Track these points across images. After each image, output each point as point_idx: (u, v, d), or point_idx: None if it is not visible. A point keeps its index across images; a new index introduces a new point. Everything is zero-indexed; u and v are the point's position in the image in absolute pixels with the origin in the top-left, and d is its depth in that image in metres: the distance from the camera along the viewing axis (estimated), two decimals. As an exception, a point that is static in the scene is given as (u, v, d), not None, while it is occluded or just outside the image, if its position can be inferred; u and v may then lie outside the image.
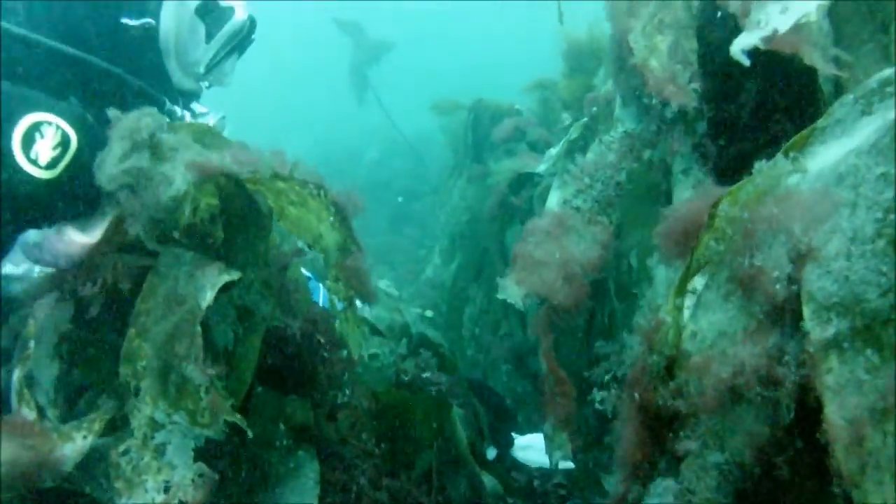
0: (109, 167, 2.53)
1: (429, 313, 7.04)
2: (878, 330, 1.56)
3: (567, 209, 3.54)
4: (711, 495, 1.83)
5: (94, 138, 2.68)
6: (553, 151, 5.47)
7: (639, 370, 2.07)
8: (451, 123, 7.58)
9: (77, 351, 2.81)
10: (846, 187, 1.73)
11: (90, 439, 2.54)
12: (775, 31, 2.36)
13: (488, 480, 3.84)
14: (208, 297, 2.39)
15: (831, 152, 1.87)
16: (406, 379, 3.98)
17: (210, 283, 2.43)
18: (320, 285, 3.85)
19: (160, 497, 2.32)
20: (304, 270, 3.43)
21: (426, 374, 3.99)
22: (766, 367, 1.72)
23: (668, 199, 4.14)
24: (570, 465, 4.25)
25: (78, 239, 2.73)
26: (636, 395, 2.05)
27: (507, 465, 4.40)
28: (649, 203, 4.43)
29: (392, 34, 14.12)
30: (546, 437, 3.47)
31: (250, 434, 2.51)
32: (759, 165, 2.00)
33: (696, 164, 3.05)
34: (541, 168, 5.48)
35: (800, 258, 1.73)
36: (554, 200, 3.66)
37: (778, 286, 1.76)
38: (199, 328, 2.35)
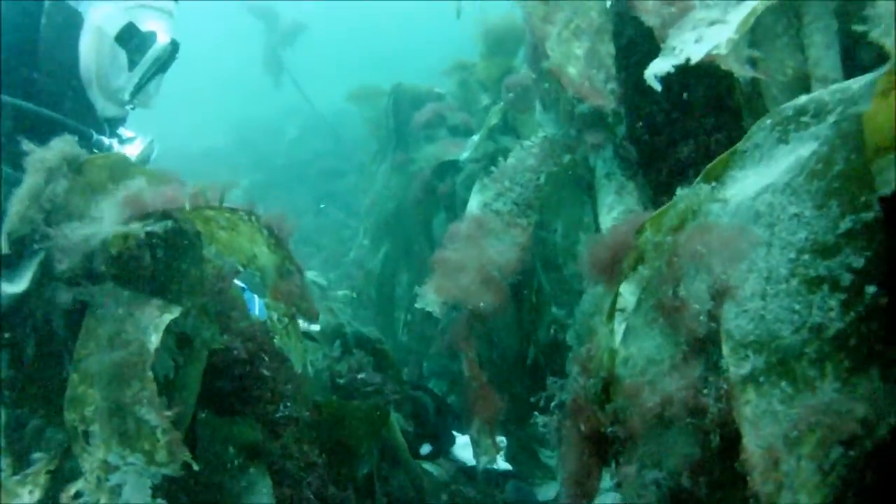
0: (21, 205, 2.48)
1: (352, 294, 7.11)
2: (792, 364, 1.70)
3: (487, 212, 3.62)
4: None
5: (10, 186, 2.55)
6: (475, 138, 5.55)
7: (579, 397, 2.18)
8: (370, 108, 7.56)
9: (18, 393, 2.78)
10: (762, 226, 1.84)
11: (37, 494, 2.54)
12: (688, 60, 2.45)
13: (433, 469, 3.95)
14: (154, 340, 2.39)
15: (749, 182, 1.96)
16: (341, 382, 4.04)
17: (153, 323, 2.43)
18: (255, 297, 3.85)
19: (122, 538, 2.34)
20: (237, 282, 3.43)
21: (361, 375, 4.05)
22: (692, 398, 1.84)
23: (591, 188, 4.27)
24: (506, 465, 4.40)
25: (5, 290, 2.65)
26: (579, 422, 2.16)
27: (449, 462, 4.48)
28: (572, 187, 4.57)
29: (306, 16, 13.94)
30: (473, 442, 3.57)
31: (196, 467, 2.52)
32: (681, 192, 2.09)
33: (619, 169, 3.14)
34: (463, 156, 5.56)
35: (719, 295, 1.85)
36: (474, 204, 3.74)
37: (699, 321, 1.87)
38: (150, 372, 2.35)
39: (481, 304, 3.17)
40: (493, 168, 3.71)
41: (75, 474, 2.61)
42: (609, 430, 2.06)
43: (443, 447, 4.50)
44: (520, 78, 5.27)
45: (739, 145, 2.06)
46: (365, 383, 4.04)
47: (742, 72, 2.53)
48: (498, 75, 6.17)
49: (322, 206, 10.98)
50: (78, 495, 2.46)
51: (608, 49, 3.13)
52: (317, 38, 14.68)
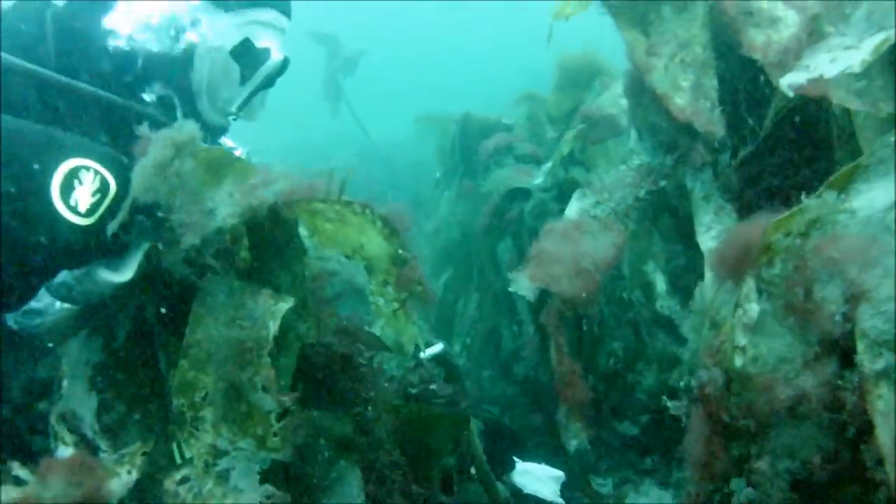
0: (146, 174, 2.50)
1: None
2: (924, 361, 1.76)
3: (585, 217, 3.68)
4: (785, 495, 2.01)
5: (129, 181, 2.59)
6: (546, 166, 5.58)
7: (706, 386, 2.22)
8: (438, 134, 7.59)
9: (110, 380, 2.84)
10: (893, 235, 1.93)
11: (135, 474, 2.57)
12: (821, 76, 2.57)
13: (500, 489, 3.94)
14: (272, 326, 2.42)
15: (876, 194, 2.05)
16: (414, 392, 4.05)
17: (269, 311, 2.47)
18: None
19: (230, 521, 2.36)
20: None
21: (433, 387, 4.06)
22: (828, 394, 1.89)
23: (672, 217, 4.29)
24: (559, 500, 4.37)
25: (109, 278, 2.71)
26: (706, 410, 2.21)
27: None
28: (640, 219, 4.60)
29: (368, 42, 14.15)
30: (560, 427, 3.56)
31: (289, 458, 2.56)
32: (808, 201, 2.16)
33: (717, 192, 3.18)
34: (535, 182, 5.58)
35: (853, 298, 1.91)
36: (573, 210, 3.80)
37: (834, 322, 1.93)
38: (267, 358, 2.39)
39: (572, 291, 3.21)
40: (595, 179, 3.76)
41: (170, 461, 2.66)
42: (741, 423, 2.11)
43: (503, 470, 4.48)
44: (596, 108, 5.30)
45: (862, 160, 2.16)
46: (436, 394, 4.03)
47: (852, 103, 2.59)
48: (569, 108, 6.21)
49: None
50: (184, 480, 2.48)
51: (712, 83, 3.20)
52: (375, 69, 14.86)
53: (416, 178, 10.39)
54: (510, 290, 3.45)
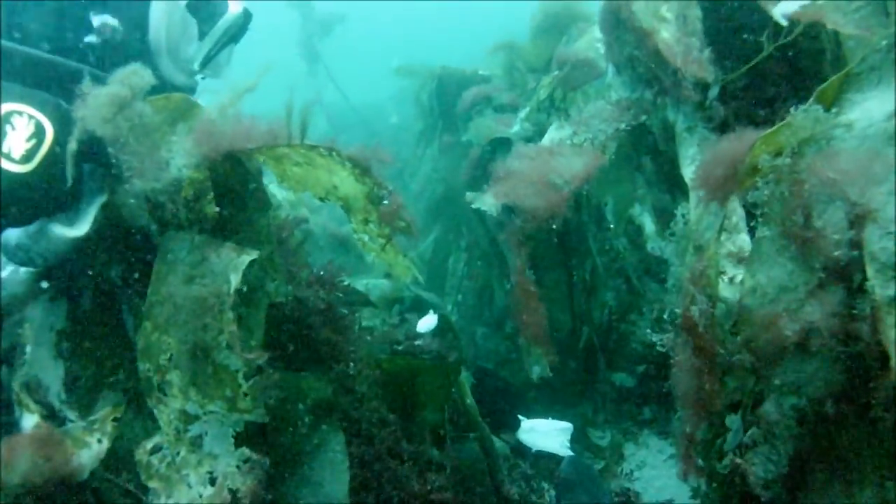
0: (104, 107, 2.33)
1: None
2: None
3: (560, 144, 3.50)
4: (790, 433, 1.90)
5: (71, 127, 2.42)
6: (524, 112, 5.38)
7: (691, 314, 2.05)
8: (419, 85, 7.34)
9: (77, 347, 2.68)
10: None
11: (106, 442, 2.41)
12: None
13: (497, 443, 3.78)
14: (234, 280, 2.24)
15: (872, 105, 1.87)
16: (399, 349, 3.88)
17: (231, 264, 2.28)
18: None
19: (207, 490, 2.19)
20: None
21: (418, 342, 3.87)
22: (838, 325, 1.72)
23: (654, 163, 4.11)
24: (568, 451, 4.25)
25: (64, 234, 2.54)
26: (692, 339, 2.04)
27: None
28: (625, 164, 4.42)
29: (346, 5, 13.78)
30: (523, 353, 3.38)
31: (265, 419, 2.39)
32: (796, 113, 1.98)
33: (702, 123, 3.00)
34: (513, 129, 5.39)
35: (858, 219, 1.73)
36: (547, 140, 3.61)
37: (838, 247, 1.76)
38: (230, 314, 2.21)
39: (538, 207, 3.01)
40: (573, 110, 3.56)
41: (140, 430, 2.50)
42: (737, 358, 1.93)
43: (507, 428, 4.35)
44: (574, 51, 5.09)
45: (854, 67, 1.99)
46: (423, 350, 3.85)
47: (847, 27, 2.41)
48: (548, 55, 5.96)
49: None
50: (156, 449, 2.32)
51: (696, 13, 3.02)
52: (352, 34, 14.52)
53: (398, 140, 10.14)
54: (473, 206, 3.24)
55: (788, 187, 1.89)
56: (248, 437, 2.46)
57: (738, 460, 2.10)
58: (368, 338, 3.42)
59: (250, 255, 2.35)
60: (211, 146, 2.35)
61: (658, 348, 2.41)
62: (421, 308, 4.11)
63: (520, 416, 4.43)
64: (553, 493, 4.24)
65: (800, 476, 2.07)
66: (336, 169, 2.54)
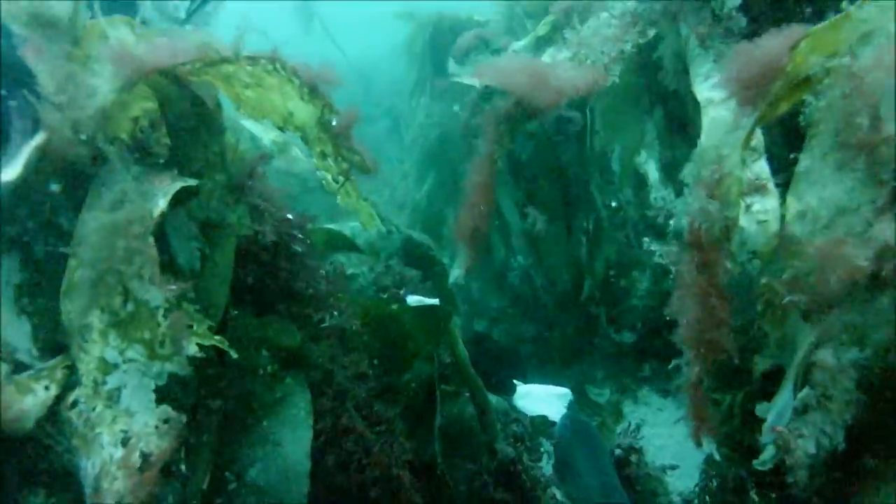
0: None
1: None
2: None
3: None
4: (850, 397, 1.49)
5: None
6: (518, 44, 4.90)
7: (697, 226, 1.62)
8: (408, 41, 6.91)
9: (31, 299, 2.27)
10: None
11: (53, 389, 2.00)
12: None
13: (494, 399, 3.39)
14: (161, 204, 1.82)
15: None
16: (385, 297, 3.46)
17: (162, 190, 1.86)
18: None
19: (118, 452, 1.78)
20: None
21: (403, 291, 3.45)
22: None
23: (662, 102, 3.69)
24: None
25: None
26: (700, 256, 1.61)
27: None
28: (634, 107, 3.96)
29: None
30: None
31: (234, 354, 1.99)
32: (852, 8, 1.54)
33: (718, 37, 2.55)
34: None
35: None
36: (546, 57, 3.16)
37: None
38: (150, 239, 1.79)
39: (525, 90, 2.55)
40: (569, 31, 3.10)
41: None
42: (788, 299, 1.49)
43: (503, 393, 3.99)
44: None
45: None
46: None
47: None
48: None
49: None
50: (75, 404, 1.92)
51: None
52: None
53: (394, 95, 9.67)
54: (453, 79, 2.81)
55: (848, 90, 1.45)
56: (210, 382, 2.11)
57: (783, 429, 1.69)
58: (353, 284, 3.01)
59: (186, 182, 1.93)
60: (133, 67, 1.93)
61: (657, 259, 2.04)
62: (411, 250, 3.68)
63: (515, 381, 4.14)
64: (550, 450, 3.88)
65: (849, 458, 1.68)
66: (287, 90, 2.18)
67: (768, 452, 1.89)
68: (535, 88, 2.51)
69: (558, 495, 3.39)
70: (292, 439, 2.19)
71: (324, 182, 2.43)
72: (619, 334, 5.37)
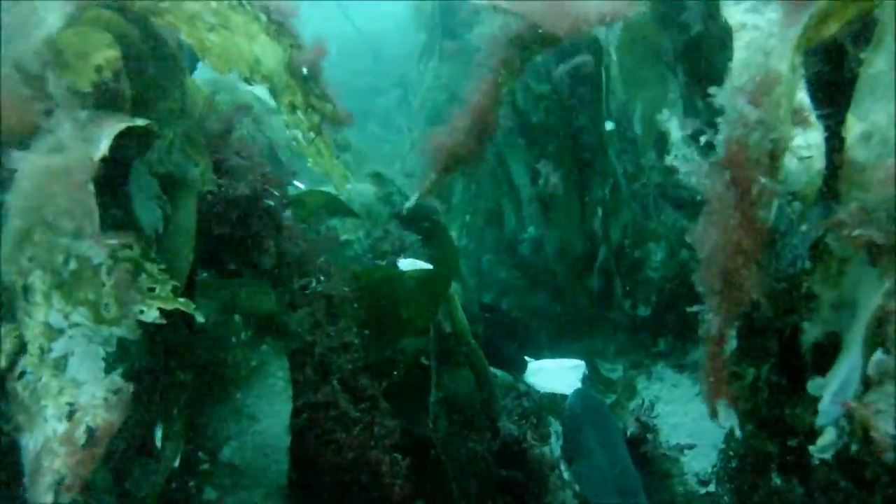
0: None
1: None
2: None
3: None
4: None
5: None
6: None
7: (737, 140, 1.34)
8: (417, 4, 6.59)
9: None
10: None
11: (3, 361, 1.77)
12: None
13: (498, 373, 3.14)
14: (102, 146, 1.58)
15: None
16: (383, 264, 3.19)
17: (105, 132, 1.61)
18: None
19: (62, 426, 1.55)
20: None
21: (404, 257, 3.17)
22: None
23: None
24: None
25: None
26: (734, 173, 1.34)
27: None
28: (652, 62, 3.79)
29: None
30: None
31: (200, 318, 1.75)
32: None
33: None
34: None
35: None
36: None
37: None
38: (91, 187, 1.54)
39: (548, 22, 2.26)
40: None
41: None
42: (855, 233, 1.21)
43: (514, 370, 3.82)
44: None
45: None
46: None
47: None
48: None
49: None
50: (22, 374, 1.68)
51: None
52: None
53: (404, 65, 9.37)
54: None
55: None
56: (176, 350, 1.90)
57: (855, 404, 1.42)
58: (347, 251, 2.76)
59: (134, 122, 1.70)
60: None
61: (682, 175, 1.70)
62: (415, 215, 3.41)
63: (527, 358, 3.92)
64: (559, 429, 3.64)
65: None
66: (254, 30, 1.95)
67: (829, 435, 1.63)
68: (552, 13, 2.21)
69: (566, 476, 3.15)
70: (269, 412, 1.99)
71: (293, 143, 2.18)
72: (633, 308, 5.07)
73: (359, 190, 3.39)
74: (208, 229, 2.07)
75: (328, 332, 2.23)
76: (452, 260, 3.59)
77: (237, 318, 2.03)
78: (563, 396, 3.70)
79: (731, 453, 3.17)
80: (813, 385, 1.72)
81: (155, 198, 1.96)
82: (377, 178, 3.44)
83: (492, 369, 3.11)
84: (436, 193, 5.02)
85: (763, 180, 1.37)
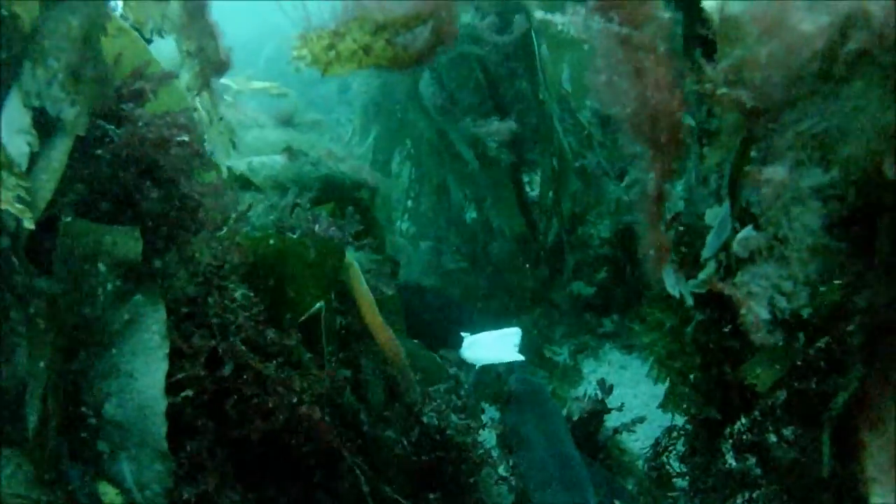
0: None
1: None
2: None
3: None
4: (812, 239, 1.08)
5: None
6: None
7: None
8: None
9: None
10: None
11: None
12: None
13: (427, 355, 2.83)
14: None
15: None
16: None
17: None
18: None
19: None
20: None
21: (318, 229, 2.79)
22: None
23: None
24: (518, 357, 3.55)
25: None
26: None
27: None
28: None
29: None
30: None
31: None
32: None
33: None
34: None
35: None
36: None
37: None
38: None
39: None
40: None
41: None
42: (727, 94, 0.98)
43: (451, 347, 3.59)
44: None
45: None
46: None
47: None
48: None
49: None
50: None
51: None
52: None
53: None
54: None
55: None
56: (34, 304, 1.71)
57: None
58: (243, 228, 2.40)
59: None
60: None
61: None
62: (335, 191, 3.06)
63: (462, 333, 3.70)
64: (495, 415, 3.34)
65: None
66: None
67: (709, 268, 1.52)
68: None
69: (501, 469, 2.81)
70: (145, 371, 1.78)
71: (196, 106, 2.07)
72: (577, 286, 4.83)
73: (266, 162, 3.00)
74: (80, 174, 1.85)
75: (218, 285, 1.91)
76: (379, 238, 3.24)
77: (101, 267, 1.80)
78: (503, 368, 3.43)
79: (675, 433, 2.90)
80: (710, 214, 1.64)
81: (24, 131, 1.73)
82: (290, 151, 3.06)
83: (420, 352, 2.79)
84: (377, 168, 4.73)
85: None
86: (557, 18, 1.35)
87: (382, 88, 5.38)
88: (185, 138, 1.92)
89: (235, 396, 1.95)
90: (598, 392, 3.54)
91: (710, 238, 1.55)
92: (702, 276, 1.57)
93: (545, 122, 4.40)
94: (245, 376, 1.96)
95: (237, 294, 2.01)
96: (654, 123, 1.20)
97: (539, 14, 1.47)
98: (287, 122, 4.16)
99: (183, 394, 1.82)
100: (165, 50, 2.28)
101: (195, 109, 2.19)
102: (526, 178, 4.86)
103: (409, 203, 5.37)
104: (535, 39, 4.13)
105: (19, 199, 1.62)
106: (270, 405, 1.97)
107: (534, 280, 4.80)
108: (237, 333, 1.98)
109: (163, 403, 1.76)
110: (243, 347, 1.96)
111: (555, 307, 4.82)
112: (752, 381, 2.07)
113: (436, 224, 5.32)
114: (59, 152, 1.77)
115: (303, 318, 2.13)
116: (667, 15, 1.14)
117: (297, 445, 2.06)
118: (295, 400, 2.00)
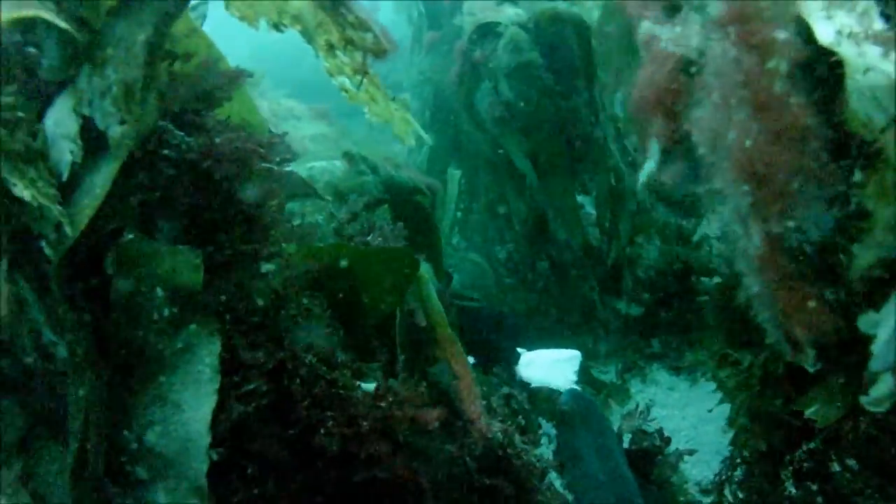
0: None
1: None
2: None
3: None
4: None
5: None
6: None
7: None
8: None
9: None
10: None
11: None
12: None
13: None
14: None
15: None
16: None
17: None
18: None
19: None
20: None
21: (373, 238, 2.74)
22: None
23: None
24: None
25: None
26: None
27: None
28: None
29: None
30: None
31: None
32: None
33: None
34: (506, 14, 4.33)
35: None
36: None
37: None
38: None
39: None
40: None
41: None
42: None
43: (504, 362, 3.58)
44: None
45: None
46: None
47: None
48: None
49: None
50: None
51: None
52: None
53: (395, 62, 9.00)
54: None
55: None
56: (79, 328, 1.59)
57: None
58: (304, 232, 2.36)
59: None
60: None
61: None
62: (395, 193, 3.02)
63: (519, 349, 3.63)
64: (552, 433, 3.28)
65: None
66: None
67: (884, 384, 1.30)
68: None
69: (558, 485, 2.76)
70: (193, 403, 1.65)
71: (343, 91, 1.91)
72: (625, 306, 4.73)
73: (322, 168, 2.98)
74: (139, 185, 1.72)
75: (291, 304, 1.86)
76: (436, 248, 3.20)
77: (159, 291, 1.65)
78: (557, 392, 3.37)
79: (736, 459, 2.82)
80: (865, 321, 1.41)
81: (69, 138, 1.62)
82: (349, 156, 3.03)
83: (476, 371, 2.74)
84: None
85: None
86: (665, 32, 1.26)
87: (435, 97, 5.37)
88: (262, 151, 1.88)
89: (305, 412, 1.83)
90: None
91: (878, 347, 1.36)
92: (875, 393, 1.41)
93: (598, 142, 4.35)
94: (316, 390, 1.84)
95: (310, 304, 1.94)
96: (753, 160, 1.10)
97: (646, 25, 1.37)
98: (323, 115, 4.15)
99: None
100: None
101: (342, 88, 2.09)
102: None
103: (459, 215, 5.32)
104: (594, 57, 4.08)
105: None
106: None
107: (584, 298, 4.71)
108: (309, 351, 1.87)
109: (207, 438, 1.66)
110: (314, 359, 1.85)
111: (603, 326, 4.75)
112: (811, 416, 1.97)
113: (485, 236, 5.25)
114: (104, 177, 1.64)
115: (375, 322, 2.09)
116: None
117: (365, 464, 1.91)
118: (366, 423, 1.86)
